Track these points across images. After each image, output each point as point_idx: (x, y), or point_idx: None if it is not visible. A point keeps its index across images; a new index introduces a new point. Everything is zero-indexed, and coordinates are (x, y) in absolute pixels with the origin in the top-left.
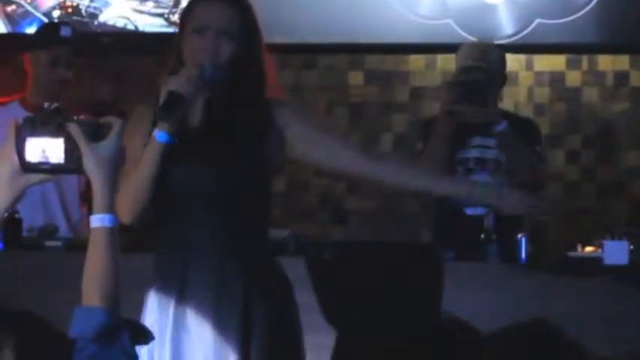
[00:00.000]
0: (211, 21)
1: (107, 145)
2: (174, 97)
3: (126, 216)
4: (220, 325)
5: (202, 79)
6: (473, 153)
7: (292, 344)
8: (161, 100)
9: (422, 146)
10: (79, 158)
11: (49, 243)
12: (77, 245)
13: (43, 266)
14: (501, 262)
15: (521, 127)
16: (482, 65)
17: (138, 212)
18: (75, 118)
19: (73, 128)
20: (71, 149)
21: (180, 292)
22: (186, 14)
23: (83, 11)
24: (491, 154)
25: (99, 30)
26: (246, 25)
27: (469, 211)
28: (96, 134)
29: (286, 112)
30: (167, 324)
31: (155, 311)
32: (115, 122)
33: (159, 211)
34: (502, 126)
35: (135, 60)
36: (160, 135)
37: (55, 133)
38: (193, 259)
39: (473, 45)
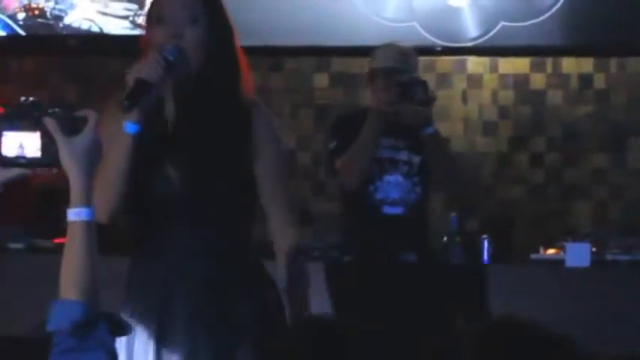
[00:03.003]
0: (171, 7)
1: (83, 138)
2: (139, 85)
3: (101, 214)
4: (208, 331)
5: (167, 62)
6: (385, 154)
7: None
8: (126, 89)
9: (335, 144)
10: (56, 152)
11: (11, 245)
12: (39, 247)
13: (5, 268)
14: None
15: None
16: (403, 67)
17: (112, 210)
18: (50, 111)
19: (49, 122)
20: (47, 143)
21: (163, 305)
22: (151, 7)
23: (48, 13)
24: (402, 155)
25: (64, 32)
26: (211, 11)
27: (387, 210)
28: (72, 128)
29: (261, 125)
30: (151, 331)
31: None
32: (91, 115)
33: (135, 220)
34: (432, 128)
35: (100, 62)
36: (128, 126)
37: (31, 128)
38: (178, 266)
39: (393, 47)
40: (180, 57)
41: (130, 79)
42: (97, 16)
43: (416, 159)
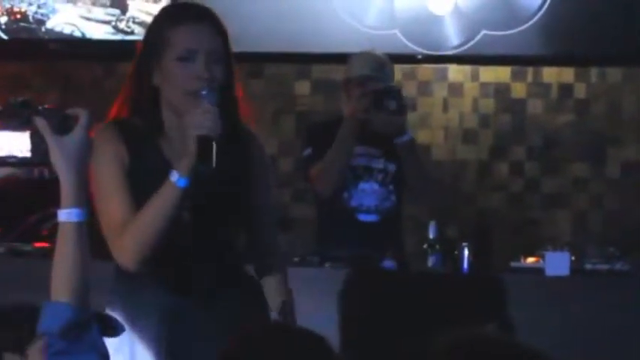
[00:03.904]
0: (200, 44)
1: (73, 138)
2: (204, 143)
3: (130, 263)
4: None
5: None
6: (360, 161)
7: None
8: (193, 148)
9: (309, 152)
10: (46, 152)
11: None
12: (19, 251)
13: None
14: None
15: None
16: (379, 76)
17: (144, 259)
18: (40, 108)
19: (40, 122)
20: (38, 143)
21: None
22: (162, 38)
23: (30, 18)
24: (378, 163)
25: (46, 37)
26: (228, 48)
27: (361, 217)
28: (62, 126)
29: (256, 155)
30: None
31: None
32: (81, 114)
33: None
34: (407, 136)
35: (82, 66)
36: (181, 181)
37: (21, 127)
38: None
39: (370, 55)
40: (215, 100)
41: (192, 137)
42: (80, 20)
43: (391, 167)
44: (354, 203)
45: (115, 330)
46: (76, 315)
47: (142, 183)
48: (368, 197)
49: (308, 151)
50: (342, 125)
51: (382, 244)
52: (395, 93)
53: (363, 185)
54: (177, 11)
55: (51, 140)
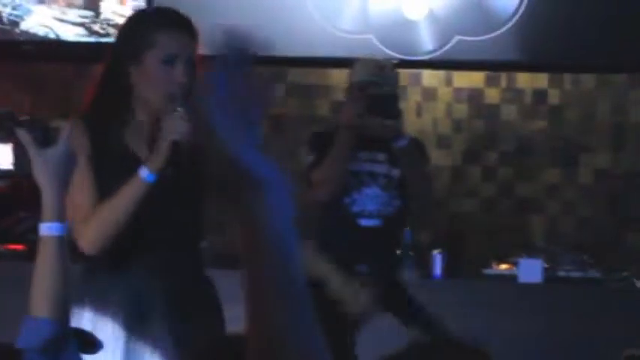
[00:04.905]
0: (180, 50)
1: (56, 151)
2: (174, 147)
3: (92, 248)
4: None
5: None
6: (364, 167)
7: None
8: (165, 149)
9: (313, 158)
10: (29, 164)
11: None
12: None
13: None
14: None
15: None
16: (380, 81)
17: (105, 245)
18: (22, 119)
19: (22, 135)
20: (20, 155)
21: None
22: (146, 40)
23: (5, 19)
24: (381, 168)
25: (20, 38)
26: (196, 58)
27: (363, 222)
28: (45, 139)
29: None
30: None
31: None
32: (64, 127)
33: None
34: (404, 141)
35: (54, 68)
36: (149, 176)
37: (4, 139)
38: (146, 284)
39: (370, 60)
40: (189, 107)
41: (168, 139)
42: (54, 22)
43: (395, 172)
44: (356, 208)
45: (93, 346)
46: (56, 330)
47: (105, 171)
48: (371, 202)
49: (312, 158)
50: (339, 131)
51: (383, 248)
52: (390, 97)
53: (367, 190)
54: (162, 16)
55: (34, 154)
